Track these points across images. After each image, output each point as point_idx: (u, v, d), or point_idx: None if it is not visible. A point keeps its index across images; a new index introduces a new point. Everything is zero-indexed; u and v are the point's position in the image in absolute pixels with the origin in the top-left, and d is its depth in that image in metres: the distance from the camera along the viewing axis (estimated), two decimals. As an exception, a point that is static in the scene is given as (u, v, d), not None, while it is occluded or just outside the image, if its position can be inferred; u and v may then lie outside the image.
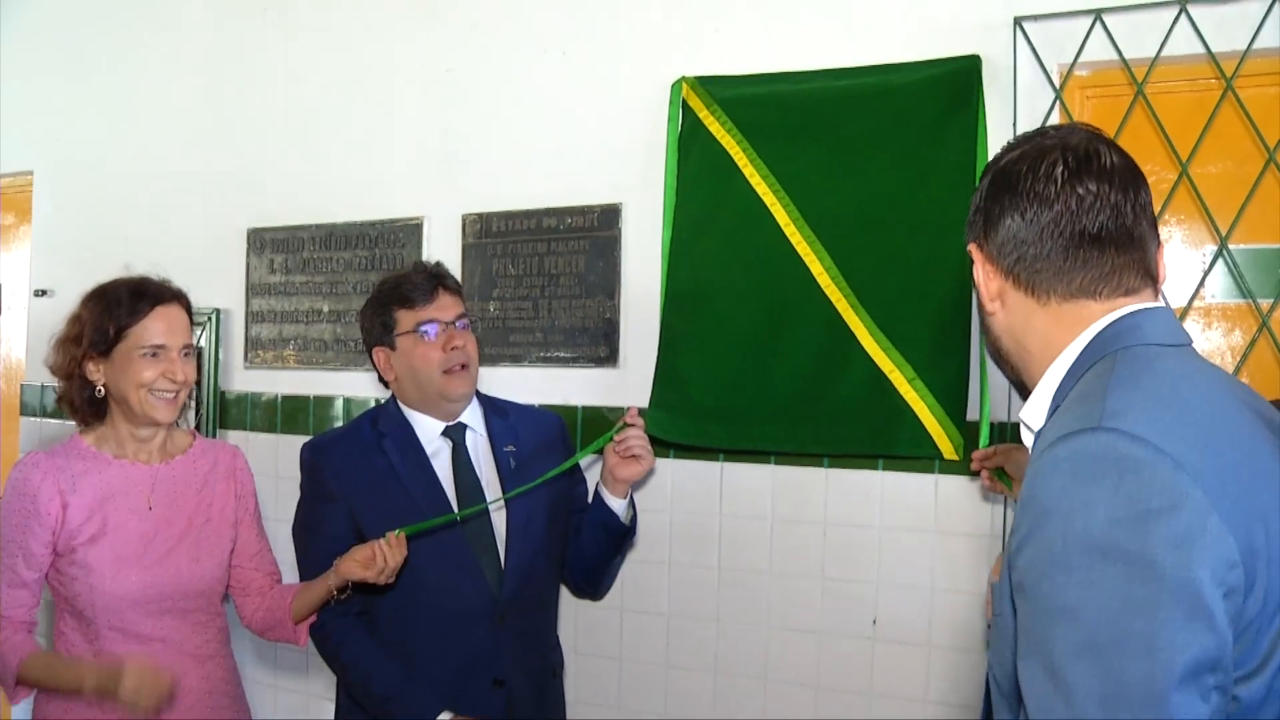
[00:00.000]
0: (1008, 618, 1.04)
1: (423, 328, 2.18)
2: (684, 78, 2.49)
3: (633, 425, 2.28)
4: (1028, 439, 1.19)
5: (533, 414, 2.43)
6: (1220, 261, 2.09)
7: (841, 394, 2.29)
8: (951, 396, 2.20)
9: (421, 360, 2.18)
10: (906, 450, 2.24)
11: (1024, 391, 1.22)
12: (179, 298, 2.11)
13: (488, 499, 2.21)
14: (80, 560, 1.98)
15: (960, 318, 2.20)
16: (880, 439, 2.27)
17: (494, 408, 2.34)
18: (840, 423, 2.30)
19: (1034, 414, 1.17)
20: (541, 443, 2.34)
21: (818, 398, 2.32)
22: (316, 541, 2.17)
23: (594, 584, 2.52)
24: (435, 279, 2.24)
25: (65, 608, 2.03)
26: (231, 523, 2.17)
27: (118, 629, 2.00)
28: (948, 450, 2.19)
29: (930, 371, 2.22)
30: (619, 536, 2.36)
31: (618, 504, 2.33)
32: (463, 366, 2.21)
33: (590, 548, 2.38)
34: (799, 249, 2.33)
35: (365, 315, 2.28)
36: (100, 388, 2.03)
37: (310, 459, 2.23)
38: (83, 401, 2.05)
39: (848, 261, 2.30)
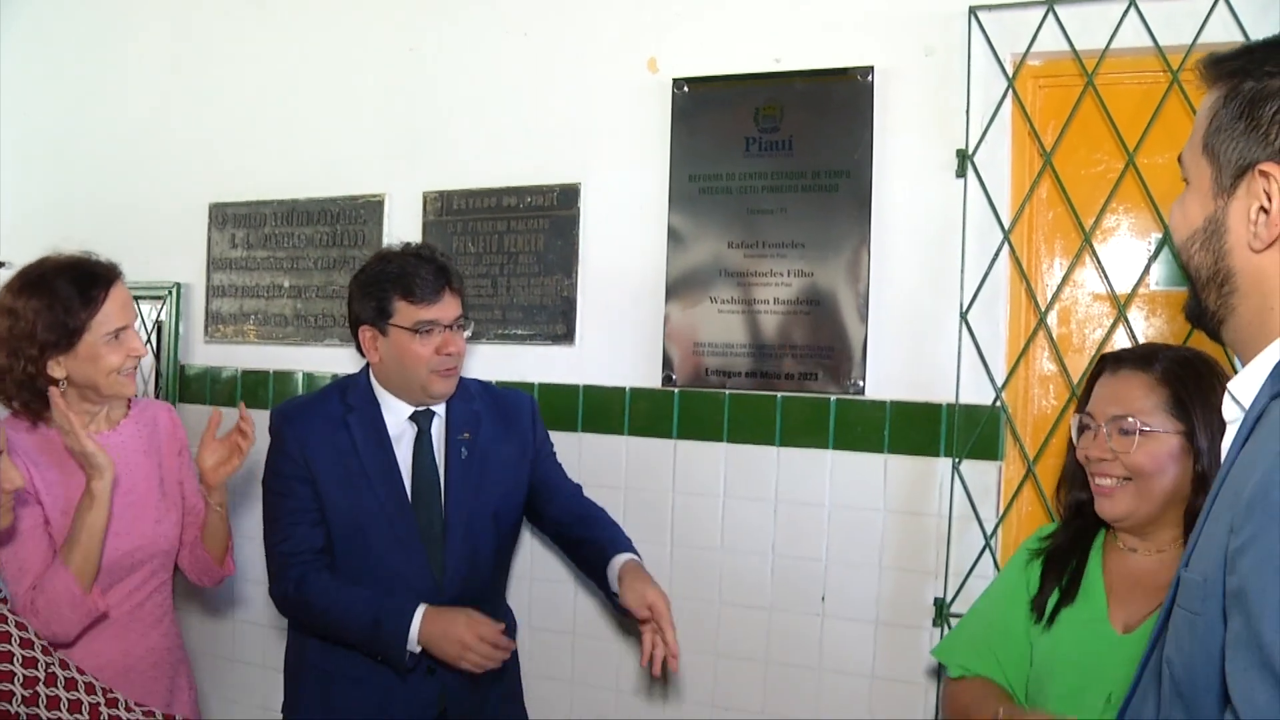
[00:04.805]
0: (1211, 618, 0.93)
1: (422, 329, 2.13)
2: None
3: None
4: (1232, 412, 1.06)
5: (501, 397, 2.38)
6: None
7: None
8: None
9: (413, 358, 2.14)
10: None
11: (1215, 337, 1.10)
12: (118, 272, 2.11)
13: (441, 489, 2.20)
14: (56, 533, 1.99)
15: None
16: None
17: (461, 390, 2.28)
18: None
19: (1246, 388, 1.03)
20: (503, 428, 2.29)
21: None
22: (284, 508, 2.17)
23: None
24: (443, 276, 2.16)
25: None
26: (178, 480, 2.21)
27: None
28: None
29: None
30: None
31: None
32: (450, 370, 2.18)
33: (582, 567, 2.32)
34: None
35: (358, 291, 2.19)
36: (63, 381, 2.00)
37: (278, 428, 2.23)
38: (32, 396, 2.00)
39: None
